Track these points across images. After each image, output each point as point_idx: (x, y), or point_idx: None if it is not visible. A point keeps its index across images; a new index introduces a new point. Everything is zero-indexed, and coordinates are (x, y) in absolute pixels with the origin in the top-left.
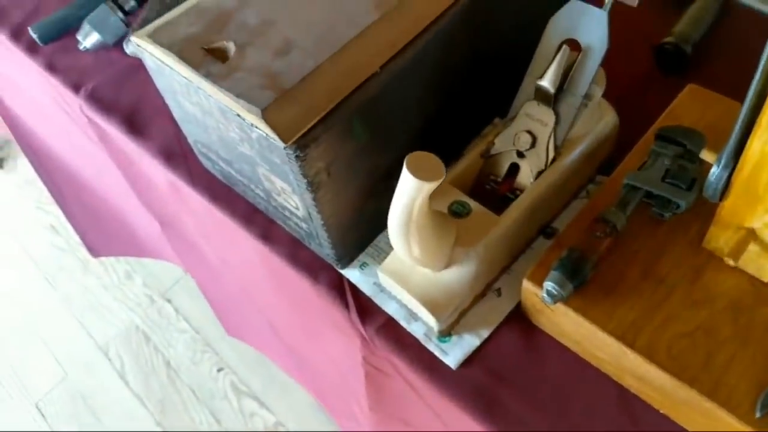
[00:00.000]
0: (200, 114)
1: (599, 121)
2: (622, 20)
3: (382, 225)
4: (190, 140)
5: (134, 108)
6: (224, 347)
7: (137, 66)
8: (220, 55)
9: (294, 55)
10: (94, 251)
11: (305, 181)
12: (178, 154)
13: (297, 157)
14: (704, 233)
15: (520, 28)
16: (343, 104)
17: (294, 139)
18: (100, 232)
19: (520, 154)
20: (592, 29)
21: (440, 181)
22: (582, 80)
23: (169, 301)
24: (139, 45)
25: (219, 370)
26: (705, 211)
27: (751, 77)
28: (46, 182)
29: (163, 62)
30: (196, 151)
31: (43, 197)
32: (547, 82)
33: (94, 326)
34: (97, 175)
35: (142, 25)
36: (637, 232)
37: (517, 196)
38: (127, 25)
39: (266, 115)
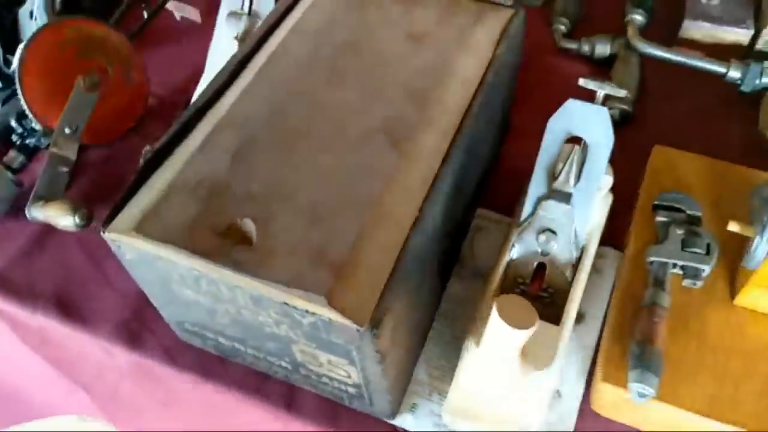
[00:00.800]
0: (210, 302)
1: (605, 202)
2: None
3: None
4: (171, 320)
5: (60, 286)
6: None
7: (45, 232)
8: (240, 236)
9: (328, 219)
10: None
11: (377, 355)
12: (139, 331)
13: (373, 335)
14: (731, 290)
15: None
16: (399, 261)
17: (368, 318)
18: None
19: (544, 252)
20: (594, 125)
21: (536, 326)
22: (594, 175)
23: None
24: (115, 241)
25: None
26: (722, 267)
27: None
28: None
29: (161, 257)
30: (177, 328)
31: None
32: (564, 185)
33: None
34: None
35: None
36: (674, 303)
37: (550, 294)
38: (19, 185)
39: (331, 300)
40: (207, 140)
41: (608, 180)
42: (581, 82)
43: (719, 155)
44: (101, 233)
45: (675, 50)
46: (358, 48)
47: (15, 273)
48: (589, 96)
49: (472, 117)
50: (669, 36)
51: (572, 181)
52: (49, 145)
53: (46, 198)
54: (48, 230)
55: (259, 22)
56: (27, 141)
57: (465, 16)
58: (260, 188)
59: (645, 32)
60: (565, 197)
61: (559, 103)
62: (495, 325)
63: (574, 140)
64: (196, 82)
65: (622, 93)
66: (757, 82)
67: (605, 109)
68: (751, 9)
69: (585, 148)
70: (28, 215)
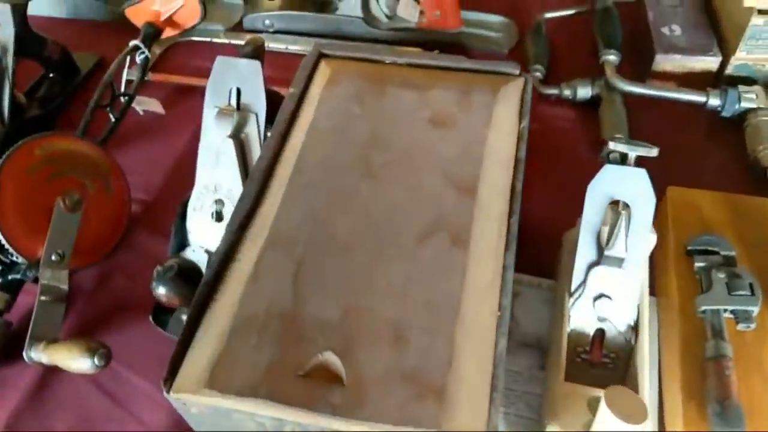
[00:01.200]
0: None
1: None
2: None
3: None
4: None
5: None
6: None
7: (48, 374)
8: (327, 375)
9: (414, 338)
10: None
11: None
12: None
13: None
14: None
15: None
16: (495, 372)
17: None
18: None
19: (600, 318)
20: (634, 187)
21: (649, 419)
22: (640, 236)
23: None
24: (180, 399)
25: None
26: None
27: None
28: None
29: (241, 410)
30: None
31: None
32: (615, 250)
33: None
34: None
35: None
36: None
37: (612, 359)
38: (9, 326)
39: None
40: (257, 267)
41: (653, 238)
42: (611, 145)
43: (717, 183)
44: (165, 394)
45: (655, 85)
46: (383, 142)
47: (23, 426)
48: (573, 139)
49: (518, 196)
50: (642, 70)
51: (623, 245)
52: (36, 278)
53: (47, 338)
54: (51, 371)
55: (252, 117)
56: (9, 277)
57: (482, 92)
58: (332, 314)
59: (618, 70)
60: (617, 262)
61: (554, 152)
62: (606, 421)
63: (612, 202)
64: (179, 181)
65: (654, 152)
66: (737, 106)
67: (643, 170)
68: (712, 35)
69: (627, 210)
70: (27, 359)
